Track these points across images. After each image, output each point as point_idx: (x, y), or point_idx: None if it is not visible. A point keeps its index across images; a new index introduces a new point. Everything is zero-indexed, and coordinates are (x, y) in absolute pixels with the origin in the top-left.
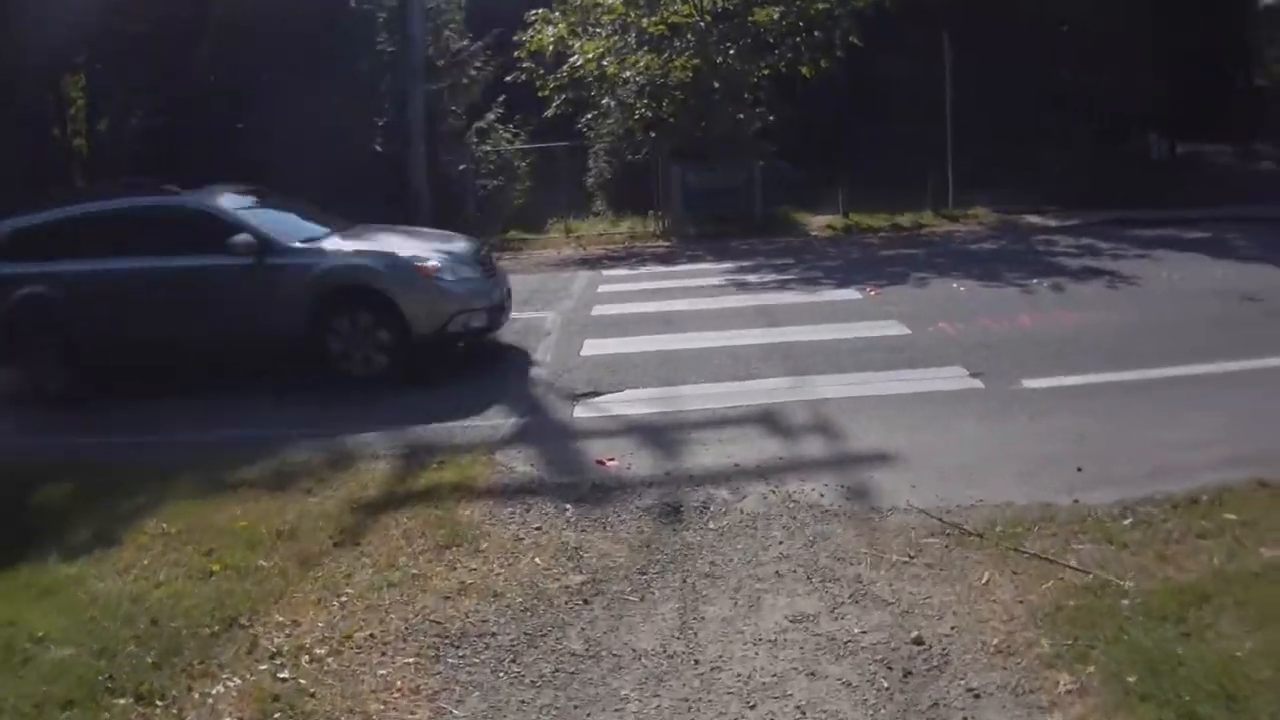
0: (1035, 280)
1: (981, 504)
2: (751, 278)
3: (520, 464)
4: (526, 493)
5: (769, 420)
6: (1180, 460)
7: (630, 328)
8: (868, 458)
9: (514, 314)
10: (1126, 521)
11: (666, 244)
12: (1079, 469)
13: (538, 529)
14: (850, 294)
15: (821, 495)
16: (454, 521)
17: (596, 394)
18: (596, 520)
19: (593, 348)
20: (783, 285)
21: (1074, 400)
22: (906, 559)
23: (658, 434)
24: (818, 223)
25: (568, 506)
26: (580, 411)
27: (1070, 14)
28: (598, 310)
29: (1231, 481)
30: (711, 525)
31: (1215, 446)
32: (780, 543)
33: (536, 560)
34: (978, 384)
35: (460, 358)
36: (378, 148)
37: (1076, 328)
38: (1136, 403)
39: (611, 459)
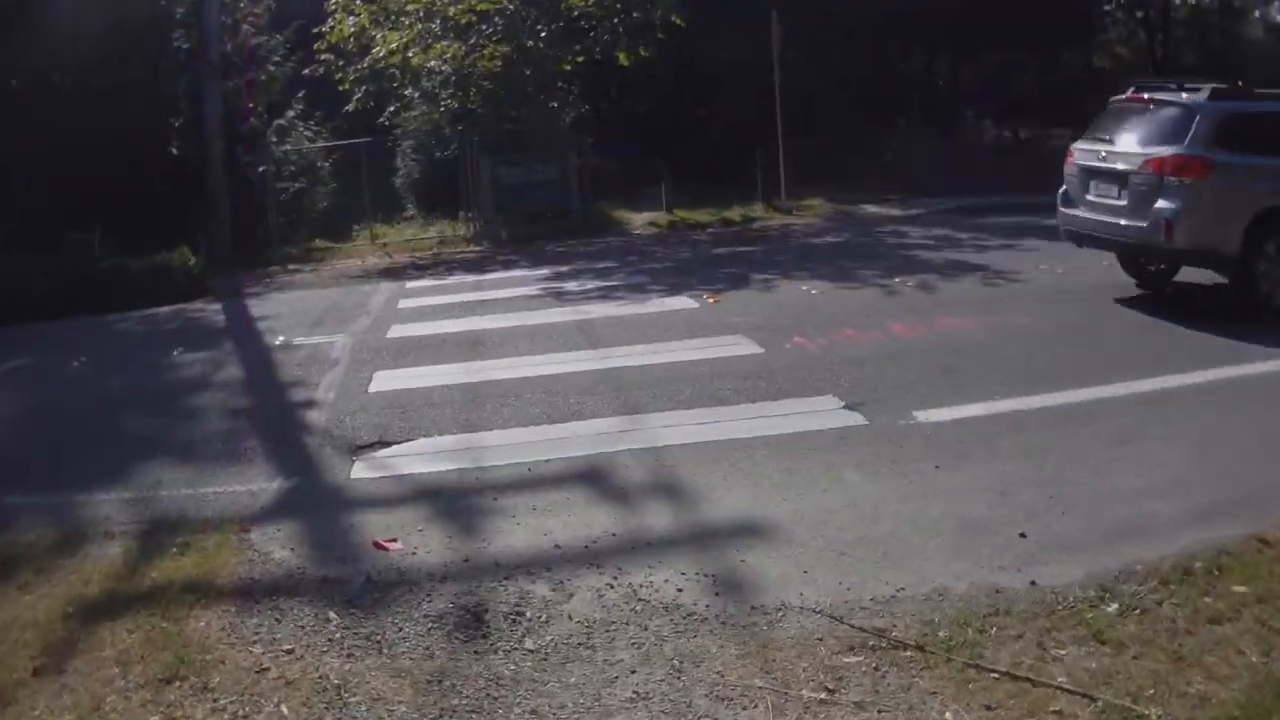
0: (898, 279)
1: (905, 595)
2: (571, 285)
3: (278, 547)
4: (281, 592)
5: (598, 478)
6: (1146, 513)
7: (430, 353)
8: (735, 531)
9: (299, 339)
10: (1111, 609)
11: (478, 249)
12: (1021, 534)
13: (289, 652)
14: (685, 302)
15: (680, 590)
16: (182, 640)
17: (382, 444)
18: (369, 638)
19: (384, 381)
20: (606, 294)
21: (985, 437)
22: (825, 694)
23: (455, 501)
24: (640, 220)
25: (332, 615)
26: (360, 470)
27: None
28: (395, 331)
29: (1224, 540)
30: (529, 643)
31: (1185, 490)
32: (632, 672)
33: (283, 709)
34: (858, 419)
35: (226, 397)
36: (174, 150)
37: (963, 337)
38: (1066, 436)
39: (393, 540)
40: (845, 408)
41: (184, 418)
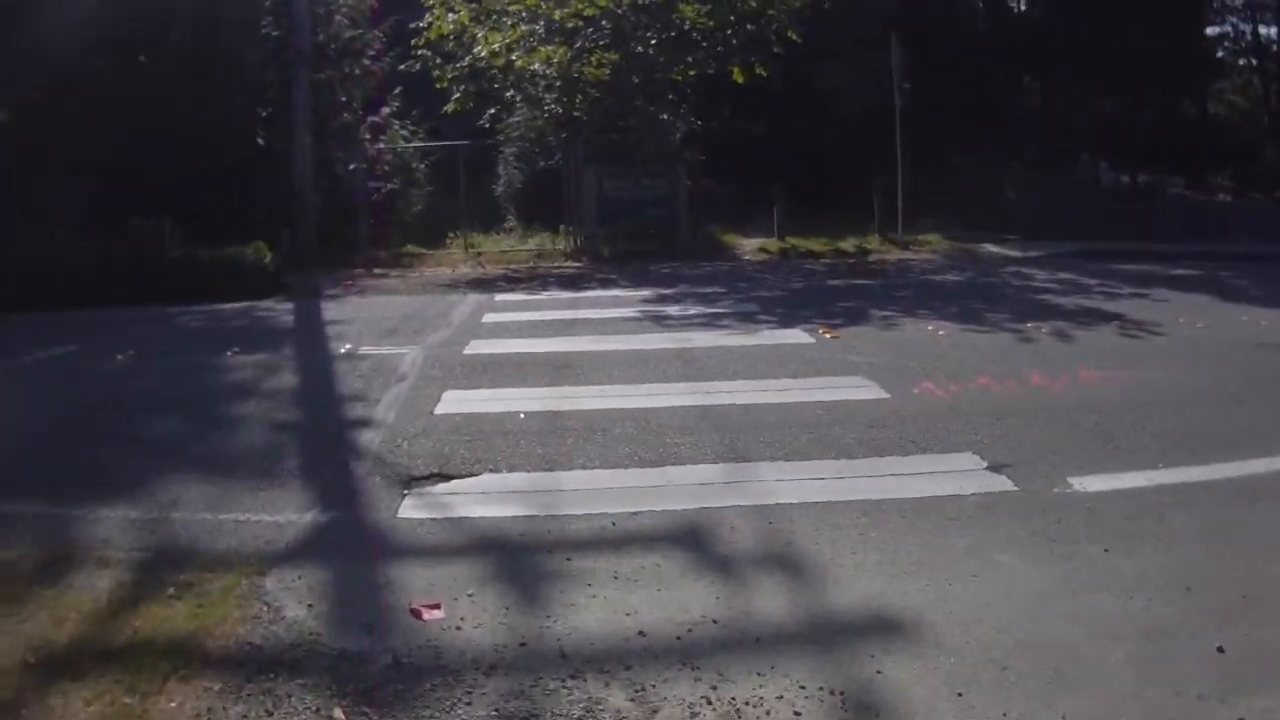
0: (1029, 324)
1: None
2: (673, 310)
3: (293, 601)
4: (282, 668)
5: (696, 541)
6: None
7: (509, 374)
8: (867, 625)
9: (367, 348)
10: None
11: (577, 265)
12: (1219, 648)
13: None
14: (799, 335)
15: (798, 715)
16: None
17: (441, 477)
18: None
19: (453, 402)
20: (712, 321)
21: (1154, 513)
22: None
23: (519, 559)
24: (750, 245)
25: (338, 715)
26: (410, 507)
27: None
28: (474, 347)
29: None
30: None
31: None
32: None
33: None
34: (1005, 483)
35: (272, 407)
36: (260, 140)
37: (1109, 393)
38: (1249, 516)
39: (435, 606)
40: (988, 469)
41: (221, 427)
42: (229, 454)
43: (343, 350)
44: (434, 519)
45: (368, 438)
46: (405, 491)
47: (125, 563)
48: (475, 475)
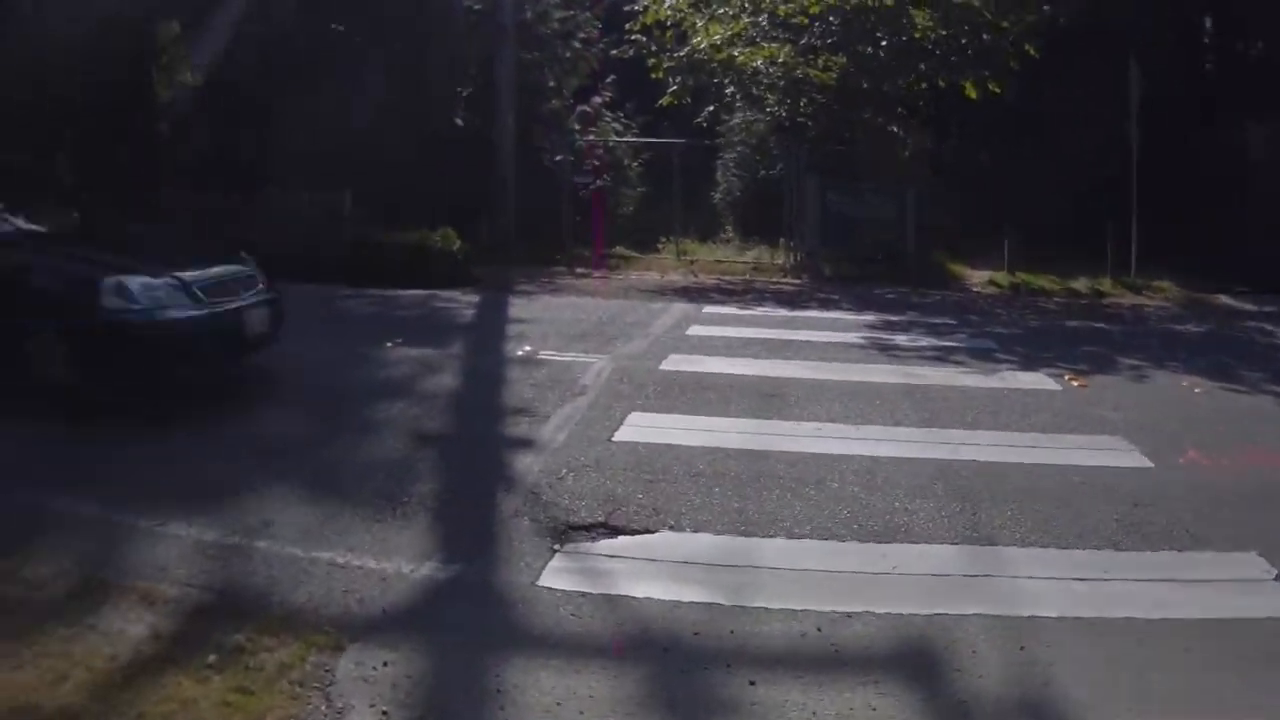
0: None
1: None
2: (901, 339)
3: (363, 704)
4: None
5: (924, 669)
6: None
7: (709, 398)
8: None
9: (548, 353)
10: None
11: (795, 282)
12: None
13: None
14: (1043, 381)
15: None
16: None
17: (605, 530)
18: None
19: (637, 428)
20: (944, 356)
21: None
22: None
23: (684, 676)
24: (978, 277)
25: None
26: (557, 572)
27: None
28: (671, 362)
29: None
30: None
31: None
32: None
33: None
34: None
35: (420, 415)
36: (459, 120)
37: None
38: None
39: None
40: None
41: (353, 433)
42: (351, 469)
43: (520, 353)
44: (584, 593)
45: (526, 464)
46: (556, 546)
47: (174, 604)
48: (650, 532)
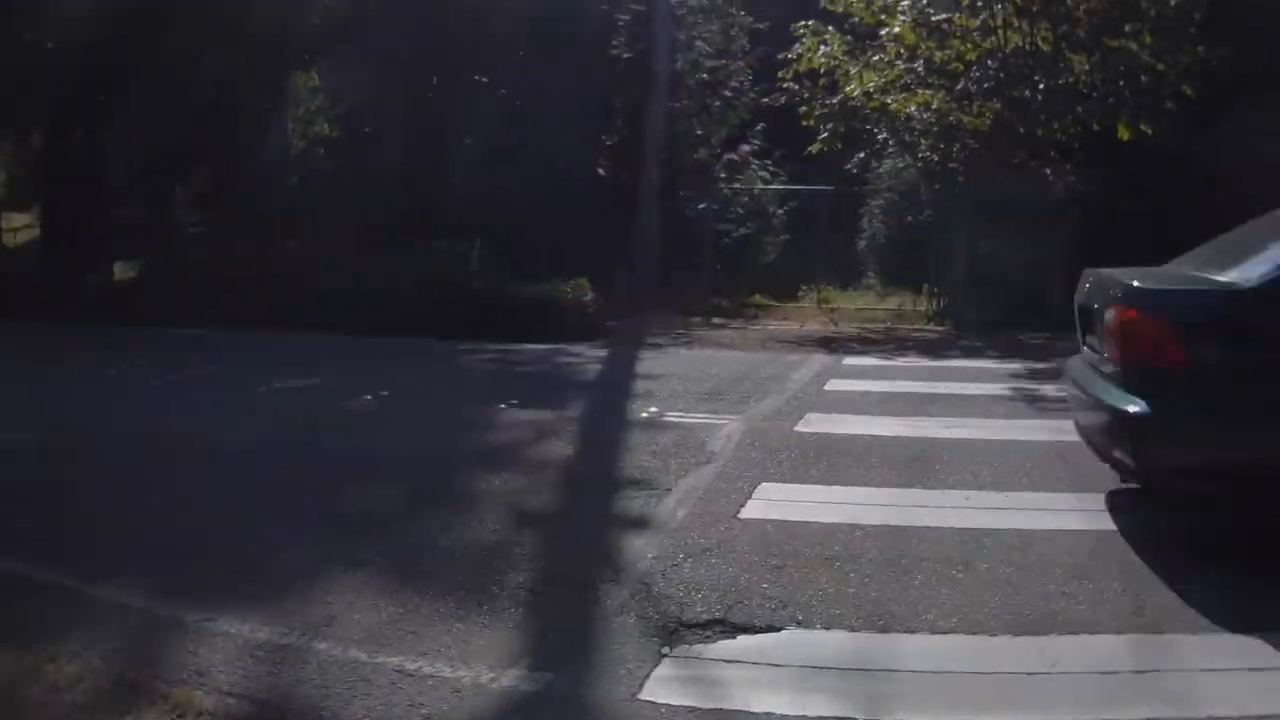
0: None
1: None
2: (1049, 389)
3: None
4: None
5: None
6: None
7: (849, 464)
8: None
9: (675, 414)
10: None
11: (938, 329)
12: None
13: None
14: None
15: None
16: None
17: (723, 629)
18: None
19: (768, 501)
20: None
21: None
22: None
23: None
24: None
25: None
26: (663, 683)
27: None
28: (809, 422)
29: None
30: None
31: None
32: None
33: None
34: None
35: (525, 487)
36: (601, 170)
37: None
38: None
39: None
40: None
41: (445, 509)
42: (437, 553)
43: (644, 414)
44: (694, 709)
45: (638, 547)
46: (665, 650)
47: (209, 716)
48: (774, 629)
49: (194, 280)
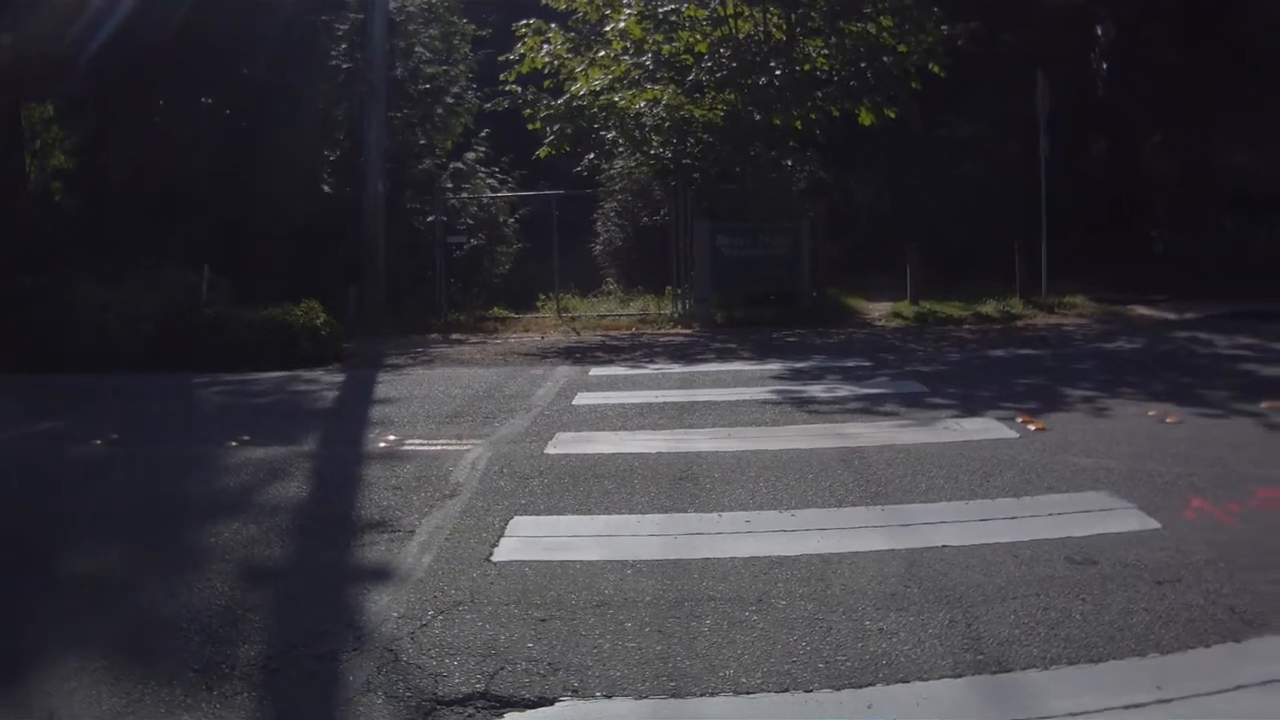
0: (1263, 404)
1: None
2: (816, 389)
3: None
4: None
5: None
6: None
7: (608, 488)
8: None
9: (416, 441)
10: None
11: (686, 332)
12: None
13: None
14: (994, 427)
15: None
16: None
17: (484, 706)
18: None
19: (521, 540)
20: (870, 406)
21: None
22: None
23: None
24: (878, 310)
25: None
26: None
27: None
28: (560, 443)
29: None
30: None
31: None
32: None
33: None
34: None
35: (255, 538)
36: (326, 188)
37: None
38: None
39: None
40: None
41: (169, 572)
42: (163, 625)
43: (382, 444)
44: None
45: (383, 605)
46: None
47: None
48: (546, 702)
49: None
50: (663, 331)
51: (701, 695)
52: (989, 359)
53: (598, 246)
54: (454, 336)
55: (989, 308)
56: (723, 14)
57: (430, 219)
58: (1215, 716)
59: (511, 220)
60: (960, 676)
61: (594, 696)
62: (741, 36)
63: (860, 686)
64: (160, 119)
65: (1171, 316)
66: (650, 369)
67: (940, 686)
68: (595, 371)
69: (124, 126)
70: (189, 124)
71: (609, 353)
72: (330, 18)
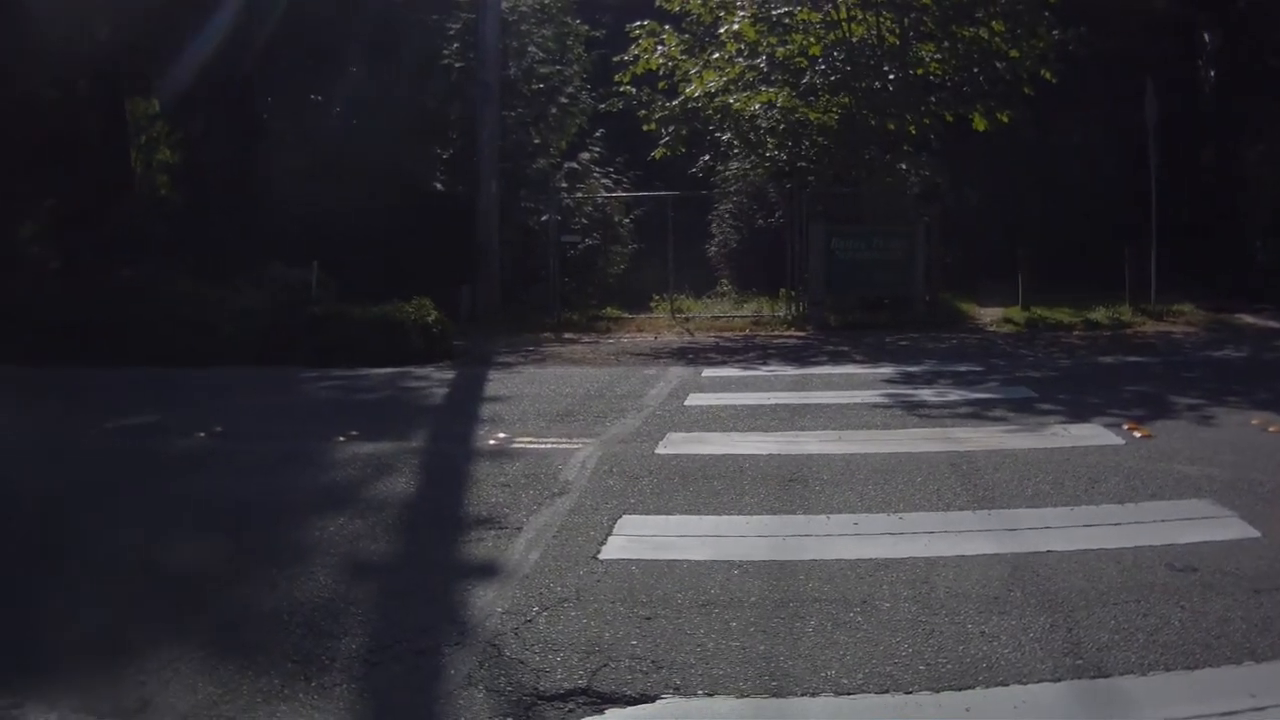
0: None
1: None
2: (926, 393)
3: None
4: None
5: None
6: None
7: (718, 489)
8: None
9: (525, 440)
10: None
11: (799, 335)
12: None
13: None
14: (1100, 433)
15: None
16: None
17: (585, 702)
18: None
19: (629, 539)
20: (980, 411)
21: None
22: None
23: None
24: (989, 315)
25: None
26: None
27: None
28: (670, 443)
29: None
30: None
31: None
32: None
33: None
34: None
35: (359, 532)
36: (439, 185)
37: None
38: None
39: None
40: None
41: (273, 566)
42: (263, 618)
43: (492, 442)
44: None
45: (487, 601)
46: None
47: None
48: (648, 699)
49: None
50: (776, 334)
51: (803, 695)
52: (1098, 365)
53: (712, 248)
54: (567, 336)
55: (1098, 314)
56: (836, 17)
57: (544, 218)
58: None
59: (626, 221)
60: (1059, 681)
61: (696, 694)
62: (855, 40)
63: (960, 689)
64: (267, 116)
65: (1276, 325)
66: (763, 371)
67: (1039, 690)
68: (708, 373)
69: (229, 123)
70: (295, 121)
71: (722, 354)
72: (441, 17)
